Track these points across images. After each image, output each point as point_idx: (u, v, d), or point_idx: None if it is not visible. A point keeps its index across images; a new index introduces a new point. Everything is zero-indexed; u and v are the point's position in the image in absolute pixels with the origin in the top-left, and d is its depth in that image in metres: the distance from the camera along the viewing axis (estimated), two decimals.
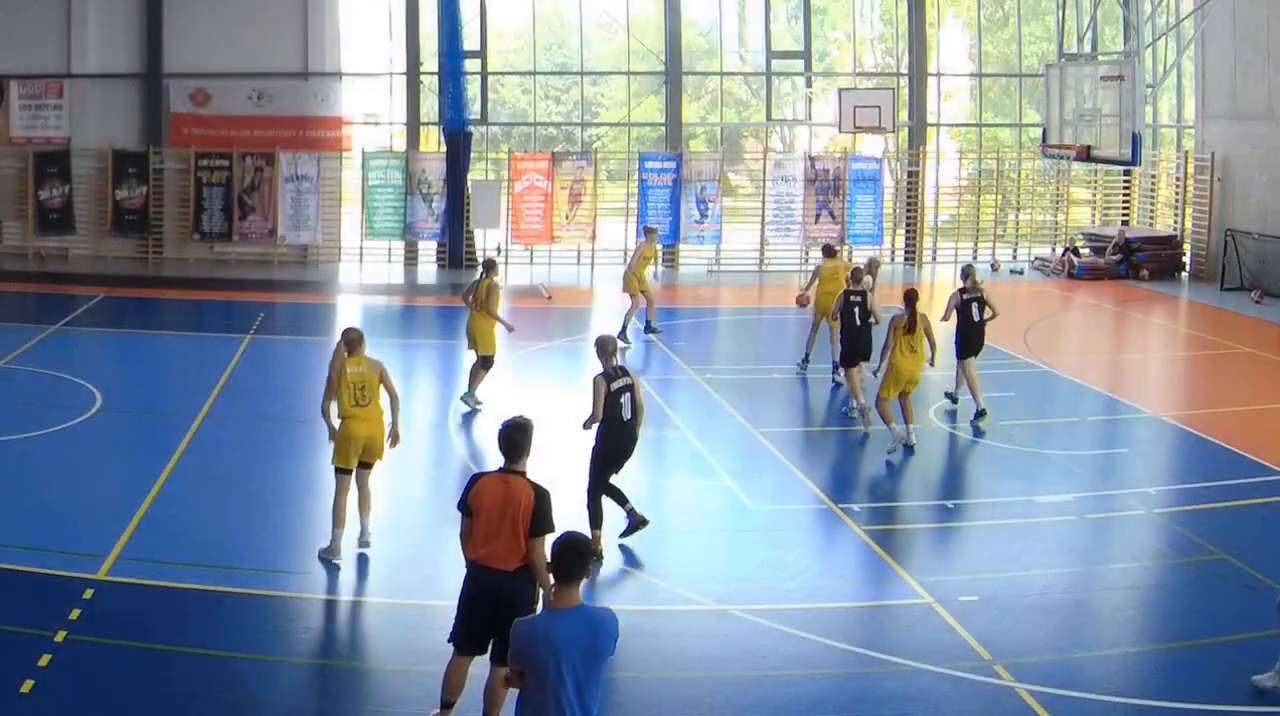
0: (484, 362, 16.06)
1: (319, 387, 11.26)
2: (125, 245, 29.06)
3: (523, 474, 7.70)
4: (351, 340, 10.92)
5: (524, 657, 5.85)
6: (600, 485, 11.00)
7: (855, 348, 15.53)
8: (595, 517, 10.96)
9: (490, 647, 7.69)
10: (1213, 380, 19.40)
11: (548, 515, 7.55)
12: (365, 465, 10.95)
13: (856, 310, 15.55)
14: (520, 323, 24.20)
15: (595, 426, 10.83)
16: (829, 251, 18.88)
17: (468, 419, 15.86)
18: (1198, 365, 20.82)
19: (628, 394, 10.85)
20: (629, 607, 10.15)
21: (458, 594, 7.84)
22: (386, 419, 10.96)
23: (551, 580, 5.99)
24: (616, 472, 11.13)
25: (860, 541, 11.51)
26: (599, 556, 10.81)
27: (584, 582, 6.04)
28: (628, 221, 29.74)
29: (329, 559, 10.75)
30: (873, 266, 17.32)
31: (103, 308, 23.56)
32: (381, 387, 10.89)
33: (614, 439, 10.88)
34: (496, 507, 7.59)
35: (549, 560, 6.03)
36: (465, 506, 7.73)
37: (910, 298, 14.22)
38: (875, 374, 14.82)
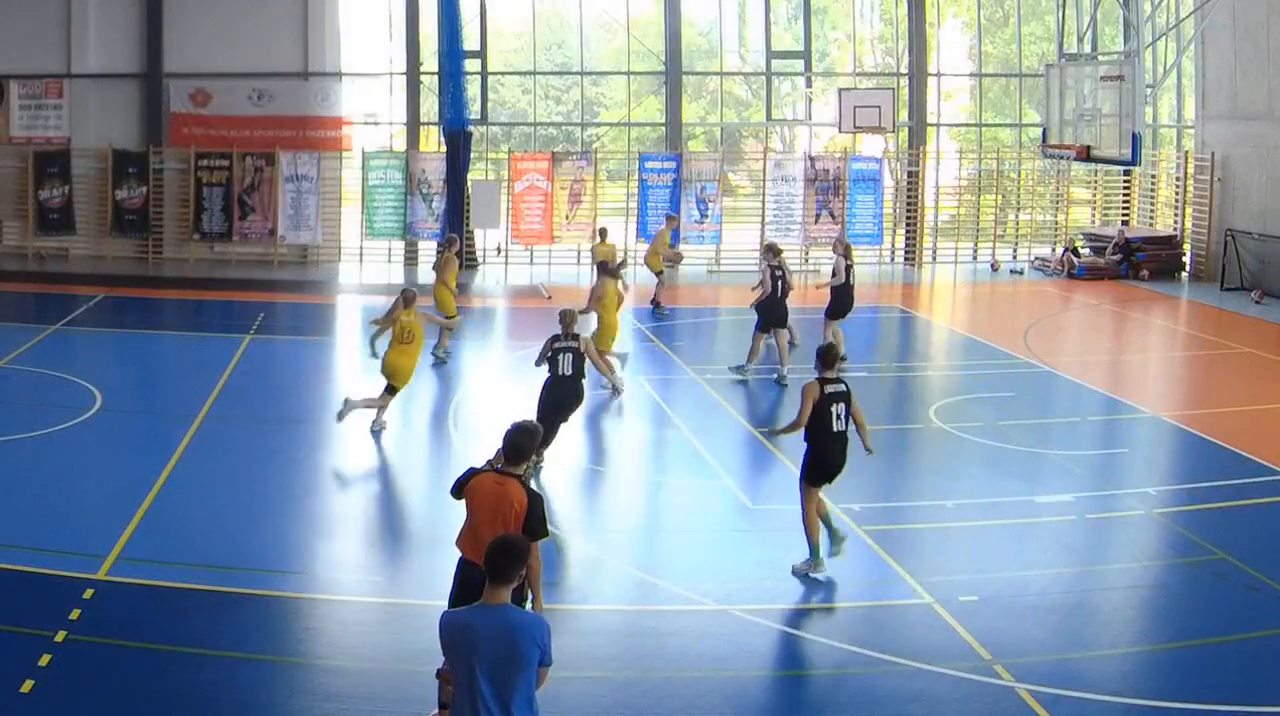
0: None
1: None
2: (125, 245, 29.09)
3: (518, 477, 7.71)
4: (408, 298, 14.93)
5: (445, 647, 5.91)
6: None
7: (773, 315, 17.84)
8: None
9: None
10: (1213, 380, 19.38)
11: (541, 520, 7.56)
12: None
13: (779, 283, 17.82)
14: (521, 322, 24.33)
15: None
16: (601, 234, 23.77)
17: (468, 419, 15.91)
18: (1198, 365, 20.79)
19: (569, 354, 13.13)
20: (629, 607, 10.19)
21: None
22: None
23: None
24: (564, 421, 13.28)
25: (860, 541, 11.50)
26: (537, 464, 12.63)
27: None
28: (628, 221, 29.74)
29: (376, 429, 14.62)
30: (774, 249, 18.85)
31: (103, 308, 23.55)
32: (425, 325, 15.26)
33: (554, 389, 13.12)
34: (489, 507, 7.61)
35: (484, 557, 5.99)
36: (459, 494, 7.84)
37: (604, 267, 17.97)
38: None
